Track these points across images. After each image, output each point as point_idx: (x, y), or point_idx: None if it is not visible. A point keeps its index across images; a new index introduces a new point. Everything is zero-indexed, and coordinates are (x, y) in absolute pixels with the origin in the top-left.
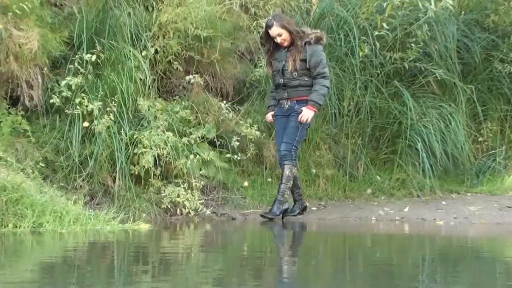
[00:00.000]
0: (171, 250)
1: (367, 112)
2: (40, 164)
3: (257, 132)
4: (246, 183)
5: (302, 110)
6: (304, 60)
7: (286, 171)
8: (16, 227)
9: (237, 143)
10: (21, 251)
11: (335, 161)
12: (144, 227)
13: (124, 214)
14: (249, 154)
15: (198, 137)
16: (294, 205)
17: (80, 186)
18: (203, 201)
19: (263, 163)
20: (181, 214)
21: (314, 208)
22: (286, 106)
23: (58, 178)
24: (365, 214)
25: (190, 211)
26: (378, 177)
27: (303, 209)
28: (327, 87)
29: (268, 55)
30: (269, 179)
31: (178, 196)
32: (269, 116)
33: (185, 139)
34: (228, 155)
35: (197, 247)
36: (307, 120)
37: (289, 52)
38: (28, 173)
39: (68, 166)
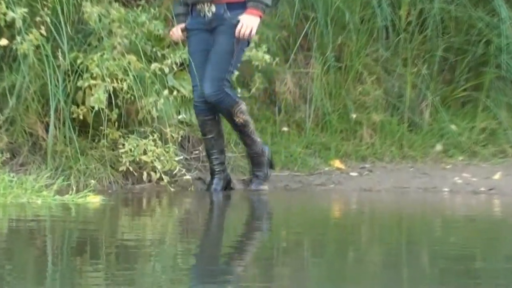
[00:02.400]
0: (133, 237)
1: (437, 26)
2: None
3: (267, 56)
4: None
5: (238, 21)
6: None
7: (238, 118)
8: None
9: (236, 72)
10: None
11: (386, 102)
12: (93, 200)
13: (63, 180)
14: (253, 90)
15: (176, 63)
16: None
17: None
18: (182, 158)
19: (276, 103)
20: (150, 181)
21: (354, 174)
22: (209, 14)
23: None
24: (432, 182)
25: (163, 176)
26: (453, 127)
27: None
28: None
29: None
30: (285, 128)
31: (145, 153)
32: (175, 32)
33: (155, 66)
34: None
35: (172, 233)
36: (250, 34)
37: None
38: None
39: None
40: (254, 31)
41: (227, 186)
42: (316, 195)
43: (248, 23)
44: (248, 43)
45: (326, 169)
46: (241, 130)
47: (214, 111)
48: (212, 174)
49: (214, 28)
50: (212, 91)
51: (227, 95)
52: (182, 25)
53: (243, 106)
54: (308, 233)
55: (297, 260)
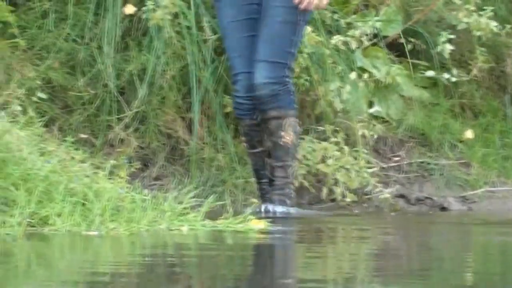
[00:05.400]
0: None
1: None
2: (39, 94)
3: (493, 23)
4: (469, 133)
5: None
6: None
7: (286, 135)
8: None
9: (450, 48)
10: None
11: None
12: (256, 226)
13: (215, 199)
14: (474, 71)
15: (367, 35)
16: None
17: (121, 139)
18: (376, 168)
19: (507, 89)
20: (333, 200)
21: None
22: None
23: (75, 124)
24: None
25: (348, 193)
26: None
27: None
28: None
29: None
30: None
31: (324, 161)
32: None
33: (338, 40)
34: (429, 73)
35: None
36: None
37: None
38: (14, 113)
39: (95, 97)
40: (325, 1)
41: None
42: None
43: None
44: (311, 13)
45: None
46: (278, 155)
47: None
48: (263, 199)
49: None
50: (267, 78)
51: (287, 91)
52: None
53: (298, 126)
54: None
55: None
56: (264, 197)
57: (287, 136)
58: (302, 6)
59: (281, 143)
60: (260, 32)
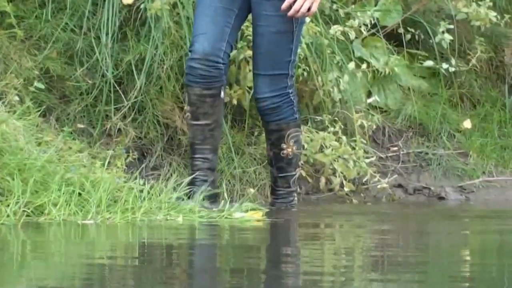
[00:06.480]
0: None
1: None
2: (36, 84)
3: (492, 14)
4: (467, 123)
5: None
6: None
7: (288, 147)
8: None
9: (449, 38)
10: None
11: None
12: (254, 217)
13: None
14: (473, 61)
15: (365, 25)
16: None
17: (119, 129)
18: (374, 158)
19: (505, 79)
20: (330, 190)
21: None
22: None
23: (73, 114)
24: None
25: (345, 183)
26: None
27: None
28: None
29: None
30: None
31: (322, 150)
32: None
33: (336, 30)
34: (428, 63)
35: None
36: (309, 11)
37: None
38: (12, 103)
39: (93, 88)
40: (314, 7)
41: (214, 199)
42: None
43: None
44: (304, 21)
45: None
46: (280, 166)
47: (221, 81)
48: (194, 183)
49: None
50: (267, 92)
51: (288, 103)
52: None
53: (301, 134)
54: None
55: None
56: (196, 176)
57: (288, 148)
58: (297, 16)
59: (282, 155)
60: (254, 41)
